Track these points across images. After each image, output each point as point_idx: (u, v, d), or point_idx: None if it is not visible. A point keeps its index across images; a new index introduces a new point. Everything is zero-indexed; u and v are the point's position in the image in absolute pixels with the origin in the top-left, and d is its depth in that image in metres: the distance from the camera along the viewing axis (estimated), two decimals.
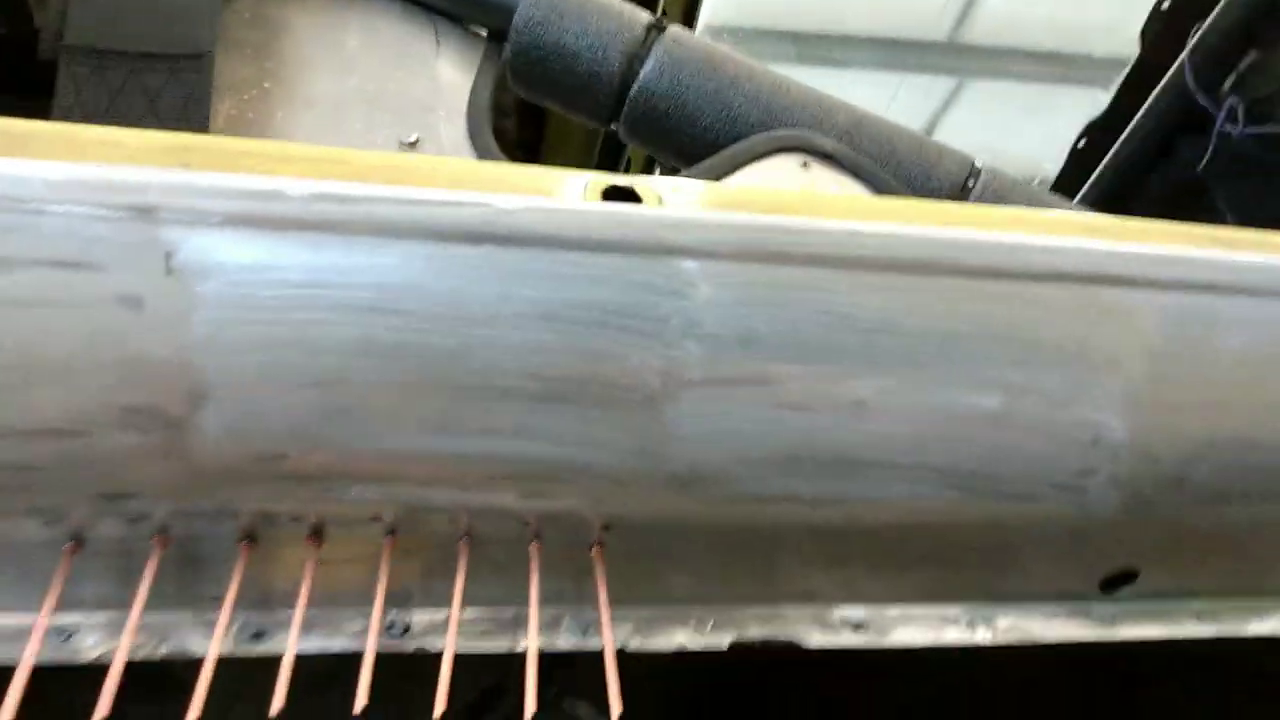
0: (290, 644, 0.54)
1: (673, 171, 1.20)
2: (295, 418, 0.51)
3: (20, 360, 0.47)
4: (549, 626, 0.63)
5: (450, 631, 0.55)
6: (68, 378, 0.48)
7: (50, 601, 0.52)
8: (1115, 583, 0.71)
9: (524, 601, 0.63)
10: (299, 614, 0.55)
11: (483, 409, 0.53)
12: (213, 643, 0.53)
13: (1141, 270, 0.61)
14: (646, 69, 1.11)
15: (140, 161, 0.49)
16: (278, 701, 0.51)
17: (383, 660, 0.59)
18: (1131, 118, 1.80)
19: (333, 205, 0.50)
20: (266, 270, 0.50)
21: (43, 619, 0.52)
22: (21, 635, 0.56)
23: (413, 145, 1.08)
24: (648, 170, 2.17)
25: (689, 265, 0.54)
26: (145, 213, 0.48)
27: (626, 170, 2.25)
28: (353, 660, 0.58)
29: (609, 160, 2.22)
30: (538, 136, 2.11)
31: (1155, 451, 0.63)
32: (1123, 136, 1.81)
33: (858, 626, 0.68)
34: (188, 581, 0.58)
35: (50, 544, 0.54)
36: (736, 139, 1.08)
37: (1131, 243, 0.61)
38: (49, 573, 0.54)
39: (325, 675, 0.70)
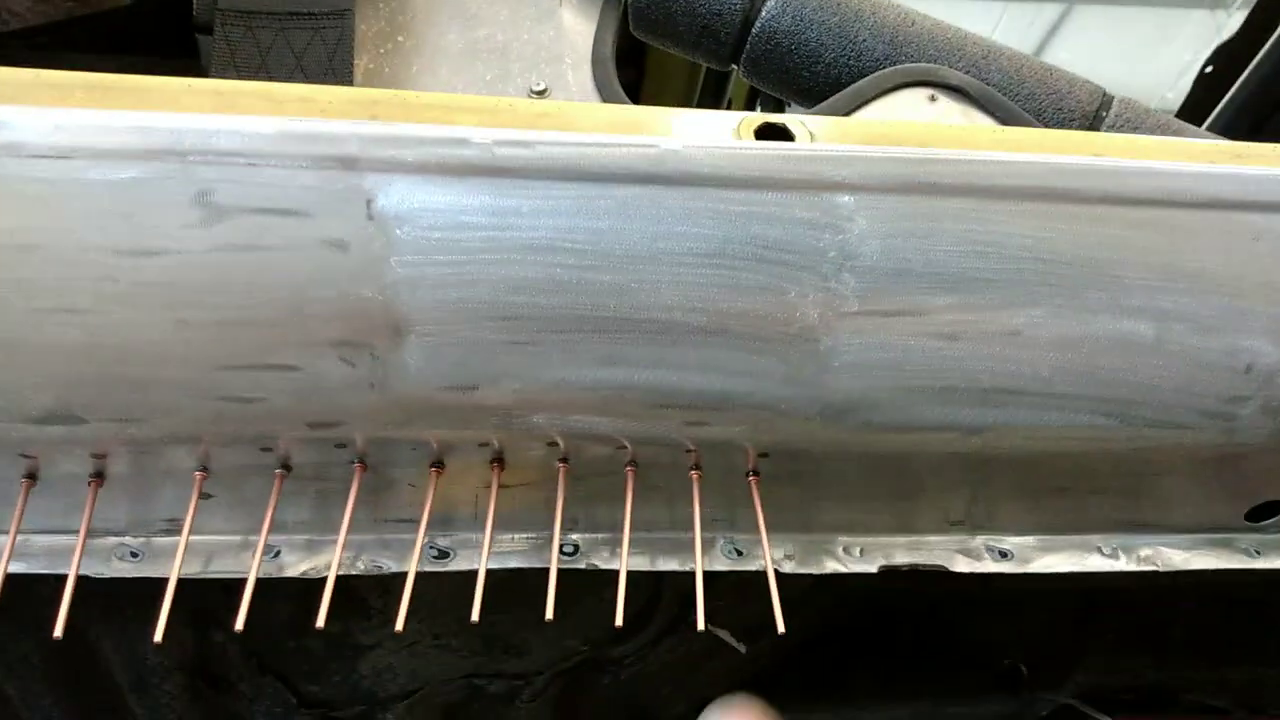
0: (482, 559, 0.59)
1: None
2: (484, 351, 0.55)
3: (245, 300, 0.52)
4: (705, 548, 0.67)
5: (623, 548, 0.59)
6: (286, 316, 0.52)
7: (267, 521, 0.58)
8: (1262, 513, 0.72)
9: (680, 526, 0.67)
10: (488, 533, 0.59)
11: (648, 342, 0.56)
12: (411, 560, 0.58)
13: None
14: (768, 6, 1.11)
15: (335, 115, 0.53)
16: (475, 611, 0.55)
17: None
18: (1264, 41, 1.72)
19: (514, 150, 0.53)
20: (455, 213, 0.53)
21: (263, 536, 0.58)
22: (233, 550, 0.62)
23: (542, 93, 1.11)
24: (749, 108, 2.17)
25: (845, 199, 0.56)
26: (347, 163, 0.52)
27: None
28: (526, 575, 0.62)
29: (711, 101, 2.21)
30: (638, 77, 2.12)
31: None
32: (1255, 61, 1.74)
33: (1003, 554, 0.70)
34: (380, 505, 0.63)
35: (262, 469, 0.59)
36: (862, 75, 1.08)
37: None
38: (260, 496, 0.59)
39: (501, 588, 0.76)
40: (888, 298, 0.57)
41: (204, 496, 0.61)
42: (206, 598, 0.74)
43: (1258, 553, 0.72)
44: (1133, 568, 0.70)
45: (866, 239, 0.57)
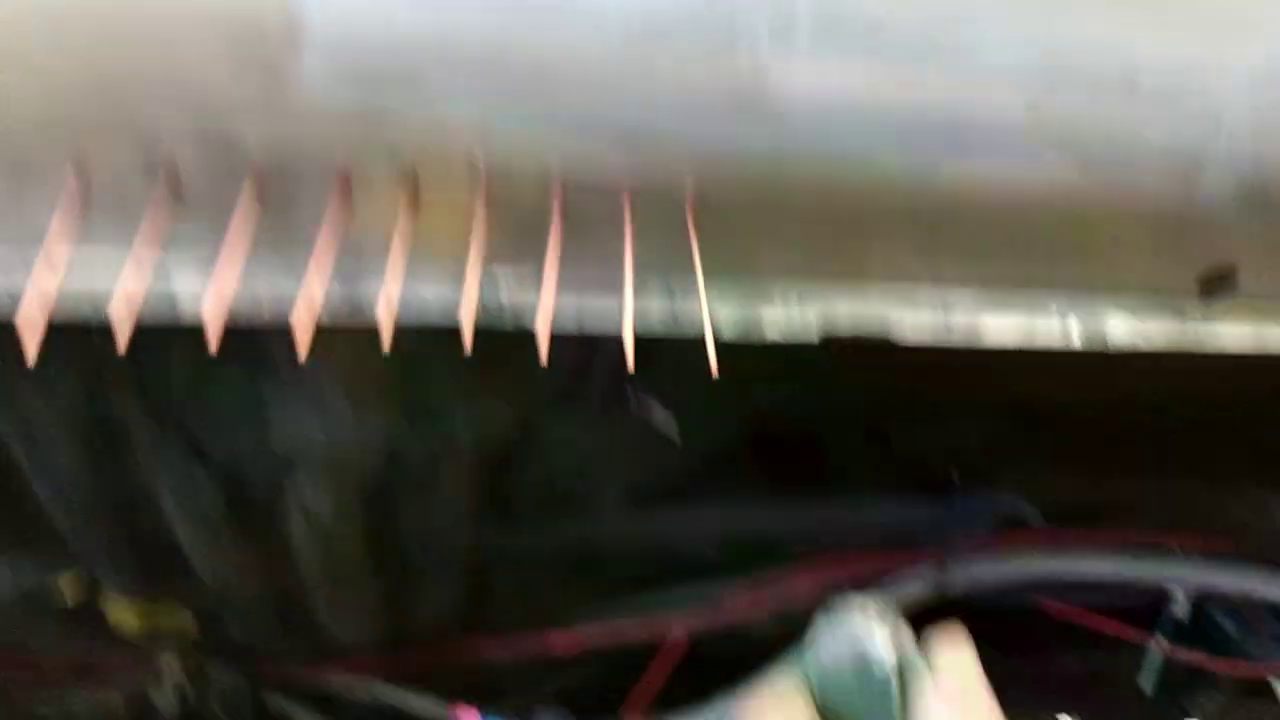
0: (388, 290, 0.54)
1: None
2: (394, 49, 0.49)
3: None
4: (637, 290, 0.63)
5: (547, 277, 0.55)
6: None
7: (149, 232, 0.52)
8: (1213, 283, 0.70)
9: (614, 265, 0.62)
10: (395, 262, 0.54)
11: (582, 61, 0.51)
12: (305, 287, 0.53)
13: None
14: None
15: None
16: (386, 342, 0.51)
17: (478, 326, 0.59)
18: None
19: None
20: None
21: (142, 250, 0.52)
22: (118, 266, 0.56)
23: None
24: None
25: None
26: None
27: None
28: (451, 334, 0.58)
29: None
30: None
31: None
32: None
33: (947, 309, 0.67)
34: (281, 227, 0.58)
35: (146, 172, 0.53)
36: None
37: None
38: (144, 207, 0.54)
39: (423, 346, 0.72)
40: (843, 17, 0.52)
41: (80, 210, 0.55)
42: (95, 345, 0.69)
43: (1207, 325, 0.70)
44: (1078, 329, 0.68)
45: None
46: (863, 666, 0.45)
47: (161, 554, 0.91)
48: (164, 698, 1.17)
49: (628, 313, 0.57)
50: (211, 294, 0.51)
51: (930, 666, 0.43)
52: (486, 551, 0.99)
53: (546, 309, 0.55)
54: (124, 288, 0.50)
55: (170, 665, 1.18)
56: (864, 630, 0.46)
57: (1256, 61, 0.57)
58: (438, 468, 0.80)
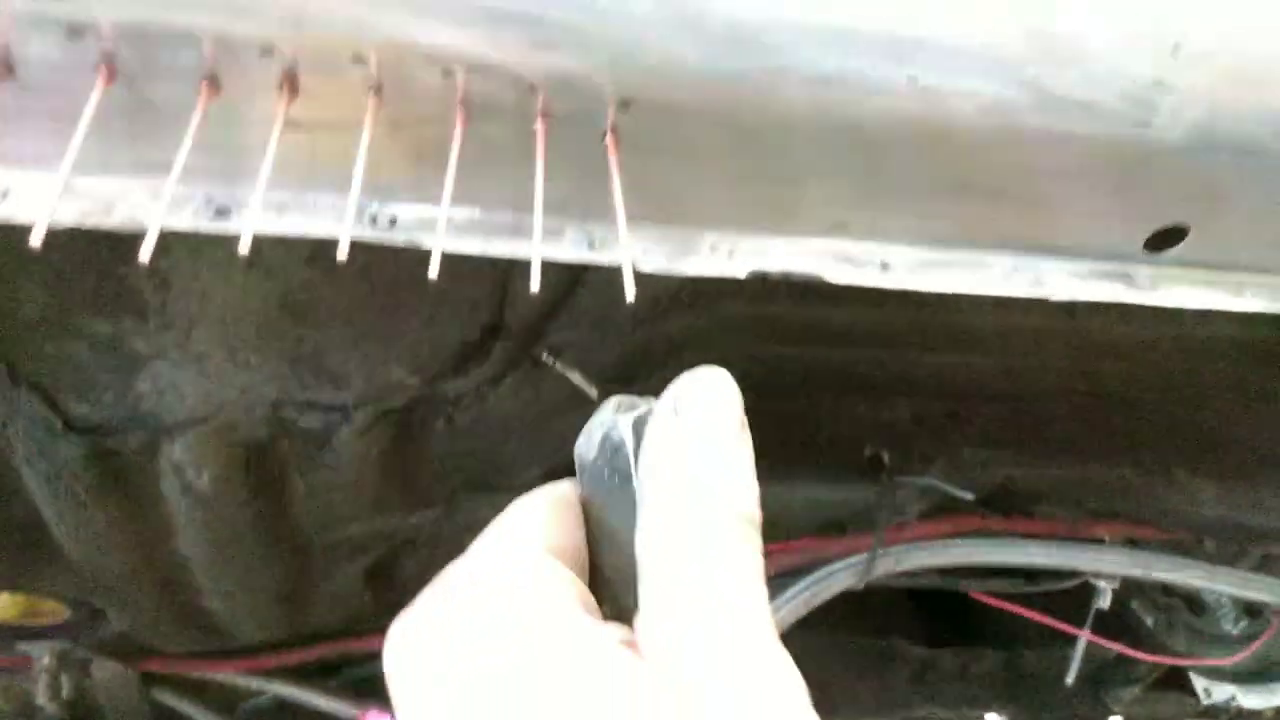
0: (252, 212, 0.47)
1: None
2: None
3: None
4: (553, 234, 0.57)
5: (445, 192, 0.49)
6: None
7: None
8: (1161, 241, 0.66)
9: (524, 207, 0.56)
10: (264, 176, 0.47)
11: None
12: (162, 201, 0.46)
13: None
14: None
15: None
16: (244, 246, 0.44)
17: (372, 264, 0.52)
18: None
19: None
20: None
21: None
22: None
23: None
24: None
25: None
26: None
27: None
28: (341, 281, 0.51)
29: None
30: None
31: (1243, 73, 0.56)
32: None
33: (885, 265, 0.62)
34: (145, 141, 0.50)
35: None
36: None
37: None
38: None
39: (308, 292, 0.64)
40: None
41: None
42: None
43: (1152, 286, 0.66)
44: (1024, 290, 0.64)
45: None
46: (609, 451, 0.41)
47: (25, 536, 0.82)
48: (40, 692, 1.07)
49: (536, 258, 0.51)
50: (51, 192, 0.43)
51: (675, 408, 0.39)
52: (394, 530, 0.91)
53: (443, 225, 0.48)
54: None
55: (42, 658, 1.08)
56: (610, 419, 0.42)
57: None
58: (330, 430, 0.72)
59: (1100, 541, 1.30)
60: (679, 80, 0.50)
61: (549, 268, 0.66)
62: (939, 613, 1.72)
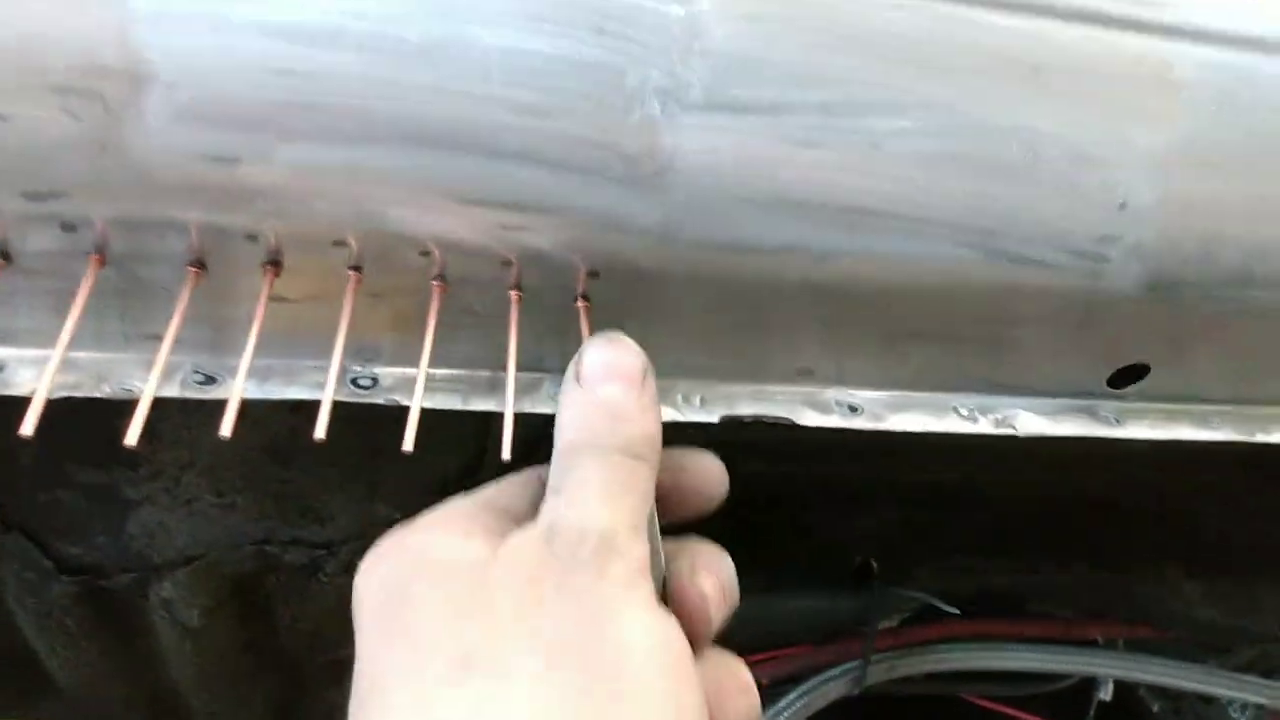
0: (238, 381, 0.49)
1: None
2: (250, 113, 0.45)
3: None
4: (528, 389, 0.59)
5: (420, 373, 0.51)
6: None
7: None
8: (1125, 379, 0.68)
9: (501, 365, 0.58)
10: (250, 348, 0.50)
11: (460, 118, 0.47)
12: (151, 377, 0.48)
13: (1184, 19, 0.56)
14: None
15: None
16: (226, 427, 0.46)
17: (354, 414, 0.54)
18: None
19: None
20: None
21: None
22: None
23: None
24: None
25: None
26: None
27: None
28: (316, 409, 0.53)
29: None
30: None
31: (1187, 222, 0.58)
32: None
33: (853, 409, 0.64)
34: (134, 317, 0.53)
35: None
36: None
37: None
38: None
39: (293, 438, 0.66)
40: (740, 90, 0.50)
41: None
42: None
43: (1117, 421, 0.68)
44: (989, 430, 0.65)
45: (721, 18, 0.49)
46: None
47: (19, 667, 0.83)
48: None
49: (509, 413, 0.53)
50: (45, 373, 0.45)
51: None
52: None
53: (420, 394, 0.50)
54: None
55: None
56: None
57: (1157, 150, 0.56)
58: (317, 565, 0.74)
59: (1094, 643, 1.30)
60: (642, 252, 0.53)
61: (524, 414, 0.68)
62: (938, 711, 1.71)
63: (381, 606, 0.42)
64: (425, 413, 0.52)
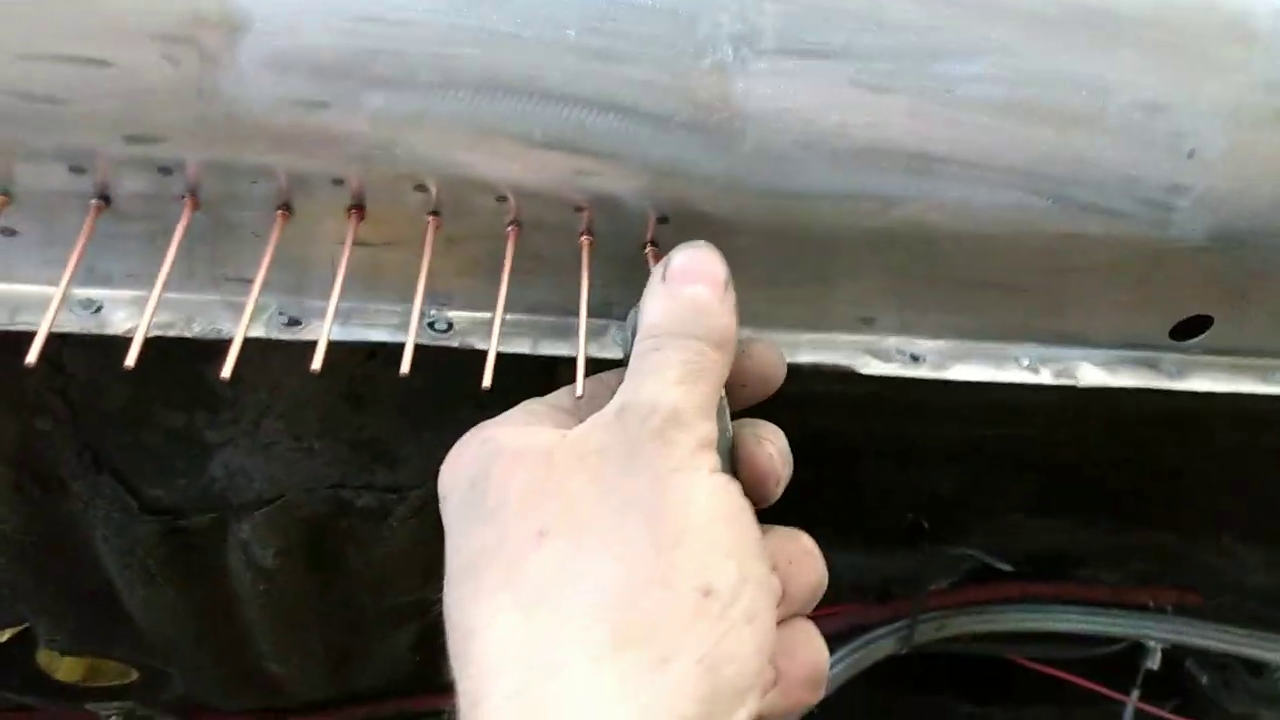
0: (326, 322, 0.51)
1: None
2: (337, 60, 0.47)
3: None
4: (596, 334, 0.61)
5: (495, 318, 0.52)
6: None
7: (75, 257, 0.49)
8: (1186, 331, 0.68)
9: (570, 310, 0.60)
10: (337, 290, 0.52)
11: (535, 65, 0.48)
12: (244, 317, 0.50)
13: None
14: None
15: None
16: (317, 361, 0.48)
17: (426, 359, 0.56)
18: None
19: None
20: None
21: (68, 276, 0.49)
22: (46, 302, 0.53)
23: None
24: None
25: None
26: None
27: None
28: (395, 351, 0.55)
29: None
30: None
31: (1257, 173, 0.58)
32: None
33: (915, 358, 0.65)
34: (222, 260, 0.55)
35: (77, 198, 0.50)
36: None
37: None
38: (75, 234, 0.50)
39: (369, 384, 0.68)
40: (811, 35, 0.50)
41: (6, 233, 0.52)
42: (29, 380, 0.66)
43: (1179, 373, 0.68)
44: (1050, 381, 0.66)
45: None
46: (630, 329, 0.51)
47: (99, 606, 0.86)
48: None
49: (581, 356, 0.54)
50: (145, 312, 0.47)
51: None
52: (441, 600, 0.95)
53: (496, 336, 0.52)
54: (48, 314, 0.47)
55: (109, 717, 1.13)
56: (636, 311, 0.51)
57: (1229, 99, 0.56)
58: (387, 510, 0.76)
59: (1145, 607, 1.29)
60: (711, 198, 0.54)
61: (592, 358, 0.70)
62: (986, 670, 1.71)
63: (465, 494, 0.46)
64: (497, 356, 0.54)
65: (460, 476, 0.47)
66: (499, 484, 0.44)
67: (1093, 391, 0.72)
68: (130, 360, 0.45)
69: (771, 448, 0.49)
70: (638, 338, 0.49)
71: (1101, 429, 1.03)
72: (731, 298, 0.50)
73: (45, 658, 1.03)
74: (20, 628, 0.95)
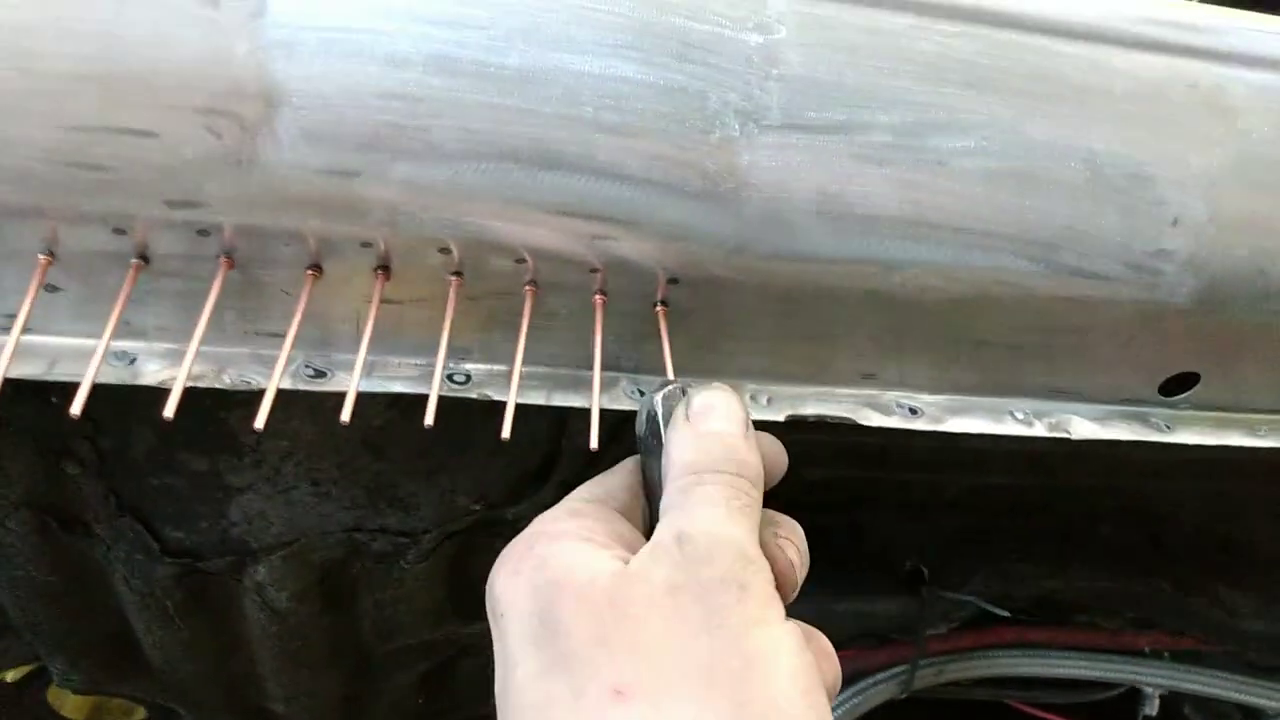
0: (355, 374, 0.54)
1: None
2: (367, 133, 0.50)
3: (98, 52, 0.46)
4: (607, 386, 0.63)
5: (515, 368, 0.55)
6: (143, 73, 0.46)
7: (116, 312, 0.52)
8: (1175, 386, 0.71)
9: (584, 364, 0.63)
10: (365, 344, 0.54)
11: (555, 137, 0.51)
12: (275, 374, 0.53)
13: (1235, 45, 0.59)
14: None
15: None
16: (346, 413, 0.50)
17: (442, 408, 0.58)
18: None
19: None
20: None
21: (110, 330, 0.52)
22: (84, 355, 0.55)
23: None
24: None
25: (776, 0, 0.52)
26: None
27: None
28: (414, 419, 0.57)
29: None
30: None
31: (1237, 238, 0.61)
32: None
33: (914, 411, 0.67)
34: (252, 315, 0.58)
35: (118, 257, 0.53)
36: None
37: (1226, 16, 0.59)
38: (115, 291, 0.53)
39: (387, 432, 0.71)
40: (814, 112, 0.54)
41: (49, 289, 0.55)
42: (59, 424, 0.68)
43: (1168, 427, 0.71)
44: (1043, 433, 0.68)
45: (796, 45, 0.53)
46: (648, 421, 0.54)
47: (115, 646, 0.88)
48: None
49: (596, 407, 0.57)
50: (184, 365, 0.50)
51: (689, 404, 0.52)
52: (451, 639, 0.96)
53: (515, 388, 0.54)
54: (90, 367, 0.50)
55: None
56: (647, 399, 0.54)
57: (1208, 170, 0.59)
58: (400, 553, 0.78)
59: (1142, 653, 1.31)
60: (719, 261, 0.57)
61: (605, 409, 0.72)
62: (984, 710, 1.71)
63: (529, 627, 0.44)
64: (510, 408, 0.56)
65: (520, 605, 0.45)
66: (567, 627, 0.43)
67: (1086, 443, 0.74)
68: (169, 410, 0.48)
69: (793, 551, 0.50)
70: (672, 475, 0.49)
71: (1097, 478, 1.05)
72: (753, 436, 0.51)
73: (54, 695, 1.04)
74: (33, 666, 0.97)
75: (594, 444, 0.54)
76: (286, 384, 0.58)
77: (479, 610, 0.92)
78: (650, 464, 0.54)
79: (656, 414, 0.53)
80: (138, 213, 0.51)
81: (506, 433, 0.53)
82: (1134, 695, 1.43)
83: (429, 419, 0.51)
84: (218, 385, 0.57)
